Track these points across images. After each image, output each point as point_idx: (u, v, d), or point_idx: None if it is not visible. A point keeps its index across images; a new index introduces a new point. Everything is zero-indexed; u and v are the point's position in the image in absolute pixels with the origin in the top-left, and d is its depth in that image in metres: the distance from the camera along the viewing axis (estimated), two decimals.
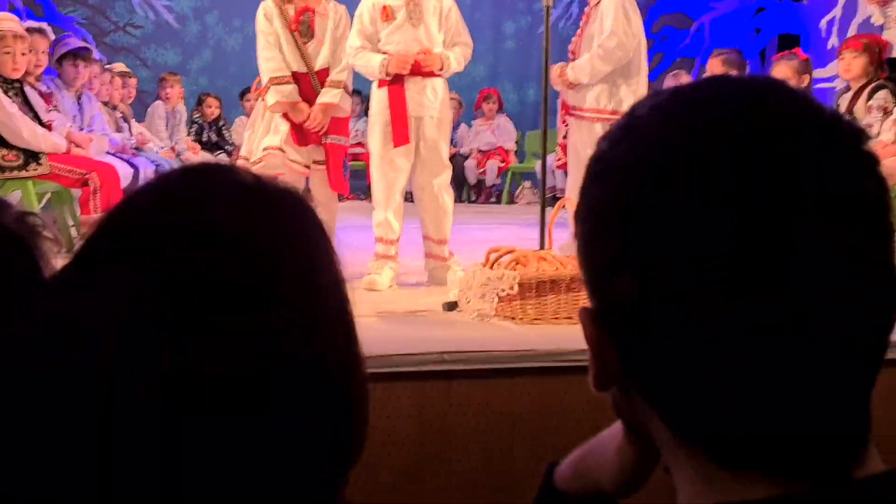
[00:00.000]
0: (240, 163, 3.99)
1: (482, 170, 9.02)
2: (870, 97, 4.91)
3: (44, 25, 5.03)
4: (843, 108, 5.09)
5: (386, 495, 2.37)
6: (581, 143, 3.88)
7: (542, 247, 3.52)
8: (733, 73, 5.93)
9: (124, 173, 5.02)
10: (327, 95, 3.73)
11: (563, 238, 3.66)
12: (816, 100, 0.67)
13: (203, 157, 7.86)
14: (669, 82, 6.98)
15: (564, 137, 4.00)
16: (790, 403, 0.61)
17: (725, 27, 9.28)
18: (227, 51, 9.46)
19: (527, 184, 8.89)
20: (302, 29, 3.73)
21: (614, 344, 0.67)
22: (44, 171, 4.21)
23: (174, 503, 0.67)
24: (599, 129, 3.82)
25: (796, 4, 8.66)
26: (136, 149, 6.19)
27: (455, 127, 9.16)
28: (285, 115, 3.71)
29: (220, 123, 8.61)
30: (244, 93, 8.69)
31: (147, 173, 5.72)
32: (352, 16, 3.82)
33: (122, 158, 5.39)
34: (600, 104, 3.80)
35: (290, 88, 3.68)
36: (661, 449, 0.69)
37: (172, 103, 7.92)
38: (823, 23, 6.99)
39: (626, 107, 3.63)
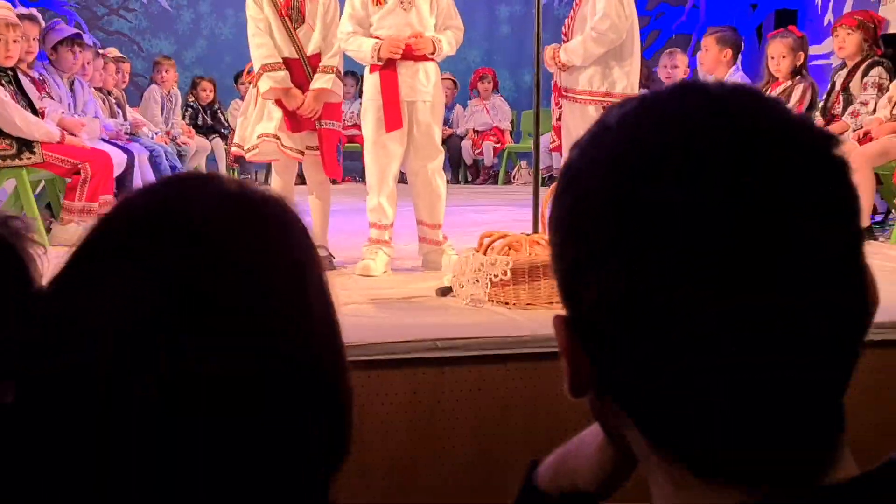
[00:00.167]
0: (233, 150, 3.99)
1: (478, 150, 9.00)
2: (865, 74, 4.90)
3: (34, 12, 5.02)
4: (838, 85, 5.08)
5: (380, 481, 2.39)
6: (574, 125, 3.87)
7: (535, 229, 3.52)
8: (728, 50, 5.91)
9: (118, 160, 5.02)
10: (320, 81, 3.72)
11: None
12: (783, 105, 0.67)
13: (198, 140, 7.85)
14: (665, 61, 6.96)
15: (558, 120, 3.99)
16: (768, 405, 0.61)
17: (721, 3, 9.24)
18: (221, 40, 9.42)
19: (523, 163, 8.88)
20: (292, 14, 3.71)
21: (587, 351, 0.68)
22: (37, 160, 4.21)
23: (171, 503, 0.68)
24: (593, 111, 3.81)
25: None
26: (131, 134, 6.17)
27: (450, 107, 9.14)
28: (278, 102, 3.69)
29: (215, 106, 8.59)
30: (238, 76, 8.66)
31: (142, 159, 5.72)
32: (342, 2, 3.80)
33: (116, 145, 5.38)
34: (593, 86, 3.78)
35: (283, 75, 3.66)
36: (635, 454, 0.69)
37: (168, 87, 7.90)
38: None
39: (619, 89, 3.63)
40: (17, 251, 0.76)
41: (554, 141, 4.11)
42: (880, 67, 4.85)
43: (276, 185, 3.87)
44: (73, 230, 4.26)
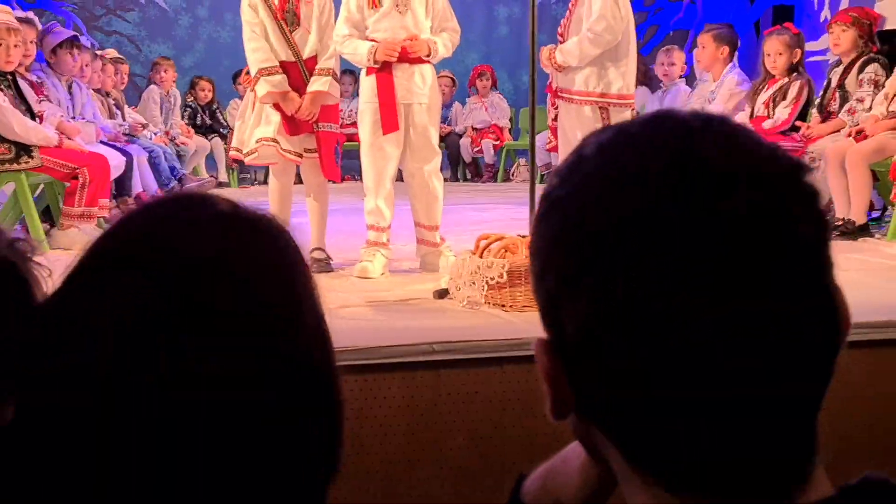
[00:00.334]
0: (232, 153, 4.00)
1: (477, 148, 9.01)
2: (861, 71, 4.91)
3: (31, 15, 5.04)
4: (834, 82, 5.09)
5: (378, 484, 2.41)
6: (570, 125, 3.88)
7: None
8: (724, 47, 5.92)
9: (116, 162, 5.04)
10: (317, 83, 3.73)
11: None
12: (754, 134, 0.69)
13: (197, 140, 7.86)
14: (662, 58, 6.97)
15: (554, 120, 4.00)
16: (753, 417, 0.63)
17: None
18: (220, 44, 9.44)
19: (522, 161, 8.89)
20: (288, 18, 3.72)
21: (568, 375, 0.70)
22: (35, 164, 4.24)
23: (171, 503, 0.70)
24: (588, 112, 3.82)
25: None
26: (130, 135, 6.18)
27: (449, 105, 9.15)
28: (276, 105, 3.71)
29: (214, 106, 8.60)
30: (237, 75, 8.68)
31: (140, 160, 5.74)
32: (337, 2, 3.81)
33: (114, 147, 5.40)
34: (589, 87, 3.79)
35: (280, 78, 3.68)
36: (616, 475, 0.71)
37: (167, 87, 7.91)
38: None
39: (614, 89, 3.63)
40: (21, 272, 0.78)
41: (551, 141, 4.12)
42: (876, 64, 4.86)
43: (274, 187, 3.89)
44: (74, 234, 4.30)
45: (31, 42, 4.74)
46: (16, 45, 4.26)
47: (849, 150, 4.50)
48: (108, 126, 5.77)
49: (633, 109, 3.90)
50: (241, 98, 8.39)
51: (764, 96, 5.37)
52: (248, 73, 3.94)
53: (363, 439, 2.38)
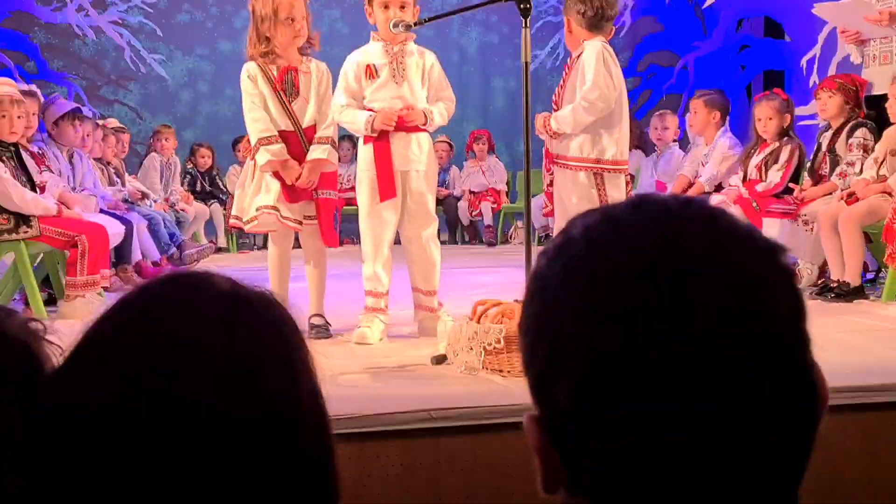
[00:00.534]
0: (232, 221, 4.04)
1: (475, 211, 9.08)
2: (850, 135, 4.98)
3: (34, 88, 5.13)
4: (824, 147, 5.17)
5: None
6: (566, 190, 3.93)
7: None
8: (716, 112, 6.02)
9: (116, 231, 5.08)
10: (316, 152, 3.78)
11: None
12: (732, 217, 0.73)
13: (196, 206, 7.92)
14: (655, 122, 7.07)
15: (550, 185, 4.05)
16: (746, 475, 0.66)
17: (710, 64, 9.41)
18: (219, 117, 9.60)
19: (520, 223, 8.95)
20: (287, 88, 3.80)
21: (559, 449, 0.72)
22: (34, 233, 4.28)
23: None
24: (583, 178, 3.87)
25: (779, 42, 8.79)
26: (129, 202, 6.24)
27: (446, 168, 9.26)
28: (276, 174, 3.76)
29: (213, 172, 8.69)
30: (237, 141, 8.79)
31: (140, 228, 5.78)
32: (334, 72, 3.89)
33: (114, 215, 5.44)
34: (584, 153, 3.85)
35: (279, 147, 3.73)
36: None
37: (167, 155, 8.01)
38: (804, 61, 7.09)
39: (608, 156, 3.68)
40: (33, 352, 0.81)
41: (547, 206, 4.17)
42: (864, 129, 4.93)
43: (274, 253, 3.92)
44: (80, 304, 4.34)
45: (34, 114, 4.83)
46: (19, 117, 4.34)
47: (841, 213, 4.56)
48: (107, 194, 5.83)
49: (627, 175, 3.95)
50: (240, 164, 8.51)
51: (756, 160, 5.45)
52: (247, 140, 4.01)
53: None
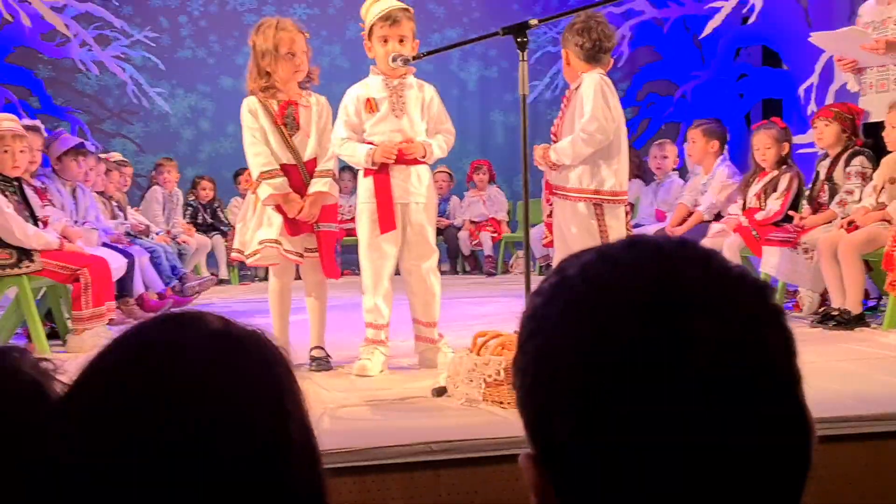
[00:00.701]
0: (233, 255, 4.06)
1: (476, 241, 9.10)
2: (847, 163, 5.00)
3: (38, 123, 5.18)
4: (822, 175, 5.19)
5: None
6: (565, 220, 3.94)
7: None
8: (714, 142, 6.05)
9: (118, 265, 5.10)
10: (318, 185, 3.81)
11: None
12: (724, 258, 0.74)
13: (198, 238, 7.95)
14: (654, 151, 7.11)
15: (549, 216, 4.06)
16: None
17: (709, 93, 9.46)
18: (221, 153, 9.67)
19: (520, 253, 8.96)
20: (288, 122, 3.83)
21: (556, 487, 0.73)
22: (36, 267, 4.30)
23: None
24: (583, 208, 3.89)
25: (777, 71, 8.85)
26: (131, 235, 6.27)
27: (446, 199, 9.29)
28: (278, 207, 3.78)
29: (215, 205, 8.73)
30: (238, 173, 8.84)
31: (142, 261, 5.80)
32: (334, 106, 3.93)
33: (116, 248, 5.47)
34: (583, 184, 3.86)
35: (281, 181, 3.76)
36: None
37: (169, 187, 8.05)
38: (801, 90, 7.13)
39: (607, 186, 3.70)
40: (44, 389, 0.83)
41: (547, 236, 4.18)
42: (862, 157, 4.95)
43: (275, 286, 3.93)
44: (88, 337, 4.37)
45: (37, 149, 4.87)
46: (21, 151, 4.37)
47: (841, 241, 4.56)
48: (109, 227, 5.86)
49: (626, 205, 3.97)
50: (242, 196, 8.55)
51: (755, 188, 5.47)
52: (249, 173, 4.03)
53: None
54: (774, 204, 5.34)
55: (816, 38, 5.27)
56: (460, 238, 9.16)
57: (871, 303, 5.06)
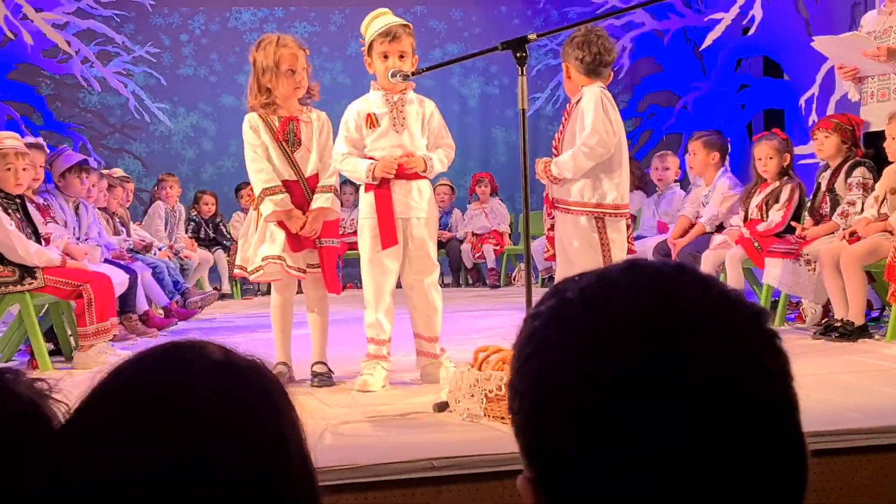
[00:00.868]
0: (236, 272, 4.07)
1: (478, 254, 9.11)
2: (848, 174, 5.00)
3: (40, 140, 5.19)
4: (823, 186, 5.19)
5: None
6: (567, 234, 3.94)
7: None
8: (715, 153, 6.05)
9: (120, 280, 5.10)
10: (319, 200, 3.82)
11: None
12: (722, 285, 0.75)
13: (200, 253, 7.96)
14: (656, 163, 7.12)
15: (550, 230, 4.06)
16: None
17: (710, 104, 9.48)
18: (223, 172, 9.70)
19: (523, 265, 8.96)
20: (289, 138, 3.84)
21: None
22: (39, 284, 4.31)
23: None
24: (585, 222, 3.88)
25: (778, 81, 8.86)
26: (134, 251, 6.28)
27: (448, 212, 9.31)
28: (280, 223, 3.79)
29: (217, 219, 8.74)
30: (240, 188, 8.86)
31: (144, 277, 5.81)
32: (335, 122, 3.94)
33: (118, 264, 5.48)
34: (584, 198, 3.86)
35: (283, 197, 3.77)
36: None
37: (171, 203, 8.07)
38: (802, 101, 7.14)
39: (609, 200, 3.70)
40: (41, 409, 0.84)
41: (548, 250, 4.18)
42: (863, 168, 4.95)
43: (277, 302, 3.94)
44: (94, 353, 4.38)
45: (40, 166, 4.88)
46: (24, 169, 4.39)
47: (843, 252, 4.56)
48: (112, 243, 5.87)
49: (628, 218, 3.97)
50: (243, 211, 8.58)
51: (757, 199, 5.47)
52: (251, 188, 4.04)
53: None
54: (776, 215, 5.34)
55: (819, 42, 5.27)
56: (463, 251, 9.17)
57: (874, 314, 5.05)
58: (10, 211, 4.34)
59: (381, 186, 3.73)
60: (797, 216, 5.34)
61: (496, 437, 2.73)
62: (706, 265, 5.50)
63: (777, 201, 5.38)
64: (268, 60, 3.76)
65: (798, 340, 4.53)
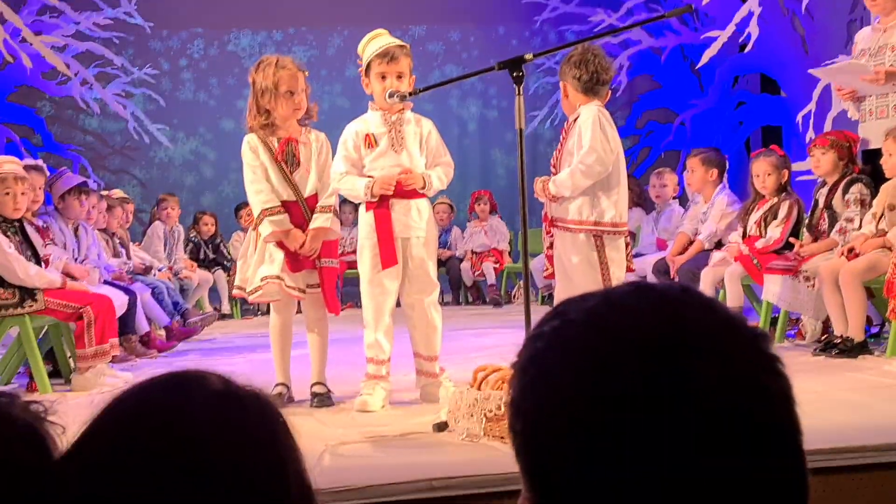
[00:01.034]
0: (235, 292, 4.07)
1: (478, 272, 9.11)
2: (846, 191, 5.01)
3: (39, 163, 5.21)
4: (821, 203, 5.20)
5: None
6: (566, 251, 3.95)
7: None
8: (713, 170, 6.07)
9: (120, 302, 5.10)
10: (319, 220, 3.83)
11: None
12: (725, 308, 0.75)
13: (200, 274, 7.96)
14: (654, 180, 7.13)
15: (549, 248, 4.07)
16: None
17: (708, 121, 9.51)
18: (223, 197, 9.73)
19: (523, 283, 8.96)
20: (288, 159, 3.85)
21: None
22: (39, 306, 4.31)
23: None
24: (583, 239, 3.89)
25: (776, 98, 8.89)
26: (134, 273, 6.28)
27: (448, 230, 9.32)
28: (279, 243, 3.79)
29: (217, 240, 8.75)
30: (239, 208, 8.88)
31: (144, 298, 5.81)
32: (333, 142, 3.95)
33: (117, 286, 5.48)
34: (583, 216, 3.87)
35: (282, 217, 3.78)
36: None
37: (171, 223, 8.08)
38: (799, 117, 7.16)
39: (607, 218, 3.72)
40: (39, 432, 0.84)
41: (548, 269, 4.18)
42: (860, 184, 4.95)
43: (276, 322, 3.94)
44: (93, 375, 4.36)
45: (39, 188, 4.89)
46: (23, 193, 4.39)
47: (842, 269, 4.56)
48: (111, 265, 5.87)
49: (626, 235, 3.98)
50: (243, 231, 8.59)
51: (755, 216, 5.48)
52: (250, 209, 4.05)
53: None
54: (775, 231, 5.35)
55: (817, 72, 5.30)
56: (462, 269, 9.17)
57: (874, 330, 5.04)
58: (8, 234, 4.35)
59: (380, 206, 3.73)
60: (796, 232, 5.35)
61: (496, 457, 2.72)
62: (705, 282, 5.50)
63: (775, 217, 5.39)
64: (267, 82, 3.78)
65: (798, 357, 4.53)
